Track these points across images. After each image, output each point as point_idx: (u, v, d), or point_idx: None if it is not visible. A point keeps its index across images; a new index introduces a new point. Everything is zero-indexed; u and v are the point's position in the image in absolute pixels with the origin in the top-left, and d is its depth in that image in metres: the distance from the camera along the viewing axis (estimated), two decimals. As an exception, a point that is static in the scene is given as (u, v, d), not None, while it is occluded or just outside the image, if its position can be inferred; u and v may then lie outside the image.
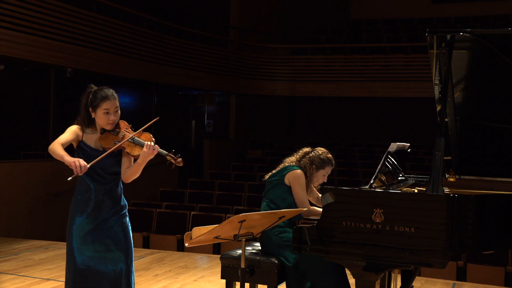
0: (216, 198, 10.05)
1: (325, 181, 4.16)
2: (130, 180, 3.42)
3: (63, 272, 5.95)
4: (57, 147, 3.26)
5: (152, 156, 3.31)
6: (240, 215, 3.05)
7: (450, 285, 6.02)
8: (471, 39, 3.35)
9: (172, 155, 3.36)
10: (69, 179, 3.26)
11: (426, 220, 3.08)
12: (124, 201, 3.52)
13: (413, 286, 4.32)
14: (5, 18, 8.94)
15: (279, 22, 17.63)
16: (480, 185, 4.11)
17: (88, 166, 3.21)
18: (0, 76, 10.96)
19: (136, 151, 3.36)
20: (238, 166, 13.36)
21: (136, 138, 3.38)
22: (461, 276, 6.83)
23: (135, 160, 3.40)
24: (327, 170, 4.11)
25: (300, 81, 15.35)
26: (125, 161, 3.42)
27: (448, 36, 3.31)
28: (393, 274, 4.13)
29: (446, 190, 3.94)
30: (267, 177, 4.16)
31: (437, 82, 3.57)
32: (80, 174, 3.20)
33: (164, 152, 3.36)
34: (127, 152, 3.38)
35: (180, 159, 3.36)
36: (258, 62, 15.53)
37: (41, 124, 11.22)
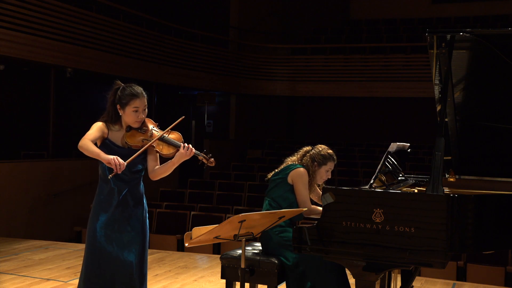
0: (216, 198, 10.05)
1: (329, 177, 4.16)
2: (157, 178, 3.39)
3: (63, 272, 5.98)
4: (89, 144, 3.19)
5: (188, 157, 3.27)
6: (240, 215, 3.05)
7: (450, 285, 6.02)
8: (471, 39, 3.35)
9: (204, 155, 3.33)
10: (109, 176, 3.22)
11: (426, 220, 3.08)
12: (145, 201, 3.48)
13: (413, 286, 4.32)
14: (5, 18, 8.94)
15: (279, 22, 17.63)
16: (480, 185, 4.11)
17: (126, 163, 3.17)
18: (0, 76, 10.96)
19: (165, 150, 3.31)
20: (238, 166, 13.36)
21: (166, 137, 3.34)
22: (461, 276, 6.83)
23: (160, 157, 3.36)
24: (330, 166, 4.11)
25: (300, 81, 15.35)
26: (151, 159, 3.38)
27: (448, 36, 3.31)
28: (393, 274, 4.13)
29: (446, 190, 3.94)
30: (270, 176, 4.17)
31: (437, 82, 3.57)
32: (119, 172, 3.15)
33: (197, 152, 3.32)
34: (156, 150, 3.33)
35: (212, 159, 3.34)
36: (258, 62, 15.53)
37: (41, 124, 11.22)
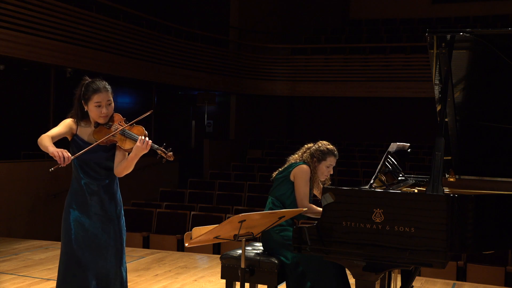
0: (216, 198, 10.05)
1: (331, 172, 4.13)
2: (122, 175, 3.36)
3: (63, 272, 5.96)
4: (44, 138, 3.21)
5: (146, 151, 3.24)
6: (240, 215, 3.05)
7: (450, 285, 6.02)
8: (471, 39, 3.35)
9: (163, 149, 3.29)
10: (51, 169, 3.21)
11: (426, 220, 3.08)
12: (119, 199, 3.45)
13: (413, 286, 4.31)
14: (5, 18, 8.94)
15: (279, 22, 17.63)
16: (480, 185, 4.11)
17: (72, 157, 3.15)
18: (0, 76, 10.96)
19: (127, 145, 3.29)
20: (238, 166, 13.35)
21: (127, 131, 3.31)
22: (461, 276, 6.83)
23: (128, 154, 3.34)
24: (330, 161, 4.09)
25: (300, 81, 15.35)
26: (118, 155, 3.35)
27: (448, 36, 3.31)
28: (393, 274, 4.13)
29: (446, 190, 3.94)
30: (275, 174, 4.17)
31: (437, 82, 3.57)
32: (63, 165, 3.12)
33: (155, 146, 3.29)
34: (118, 146, 3.31)
35: (171, 153, 3.30)
36: (258, 62, 15.53)
37: (41, 124, 11.21)
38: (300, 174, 4.00)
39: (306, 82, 15.28)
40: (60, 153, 3.09)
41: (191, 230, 3.27)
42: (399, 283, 4.22)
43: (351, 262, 3.23)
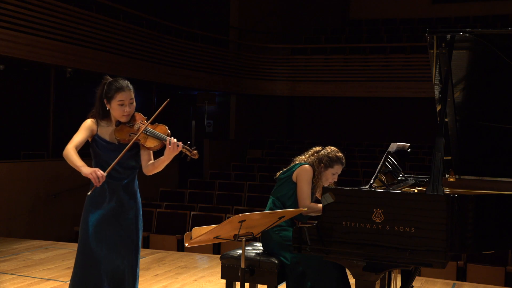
0: (216, 198, 10.05)
1: (335, 180, 4.13)
2: (151, 174, 3.39)
3: (63, 272, 5.97)
4: (73, 154, 3.16)
5: (177, 152, 3.26)
6: (240, 215, 3.05)
7: (450, 285, 6.02)
8: (471, 39, 3.35)
9: (188, 147, 3.31)
10: (88, 193, 3.21)
11: (426, 220, 3.08)
12: (139, 199, 3.46)
13: (413, 286, 4.31)
14: (5, 18, 8.94)
15: (279, 22, 17.63)
16: (480, 185, 4.11)
17: (105, 174, 3.14)
18: (0, 76, 10.96)
19: (150, 143, 3.30)
20: (238, 166, 13.35)
21: (150, 129, 3.32)
22: (461, 276, 6.83)
23: (153, 152, 3.35)
24: (336, 169, 4.08)
25: (300, 81, 15.35)
26: (144, 154, 3.37)
27: (448, 36, 3.31)
28: (393, 274, 4.13)
29: (446, 190, 3.94)
30: (278, 174, 4.16)
31: (437, 82, 3.57)
32: (98, 186, 3.12)
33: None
34: (141, 144, 3.32)
35: (196, 151, 3.32)
36: (258, 62, 15.53)
37: (41, 124, 11.23)
38: (303, 174, 3.99)
39: (306, 82, 15.28)
40: (94, 174, 3.09)
41: (191, 230, 3.27)
42: (399, 283, 4.22)
43: (351, 262, 3.23)
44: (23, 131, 11.77)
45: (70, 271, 5.95)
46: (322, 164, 4.05)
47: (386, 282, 4.00)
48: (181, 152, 3.32)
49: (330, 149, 4.13)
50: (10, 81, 11.55)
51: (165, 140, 3.29)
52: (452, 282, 6.24)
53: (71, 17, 10.20)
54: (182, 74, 13.42)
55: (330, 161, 4.05)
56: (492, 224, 3.20)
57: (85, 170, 3.12)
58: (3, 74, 10.79)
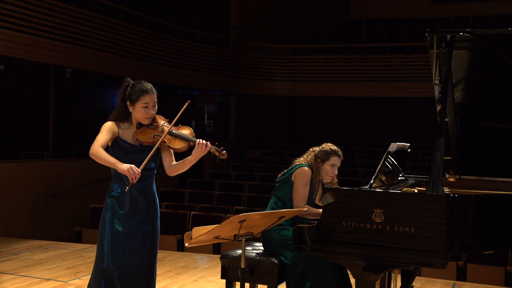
0: (216, 198, 10.05)
1: (336, 173, 4.16)
2: (175, 174, 3.41)
3: (63, 272, 5.98)
4: (102, 152, 3.16)
5: (205, 153, 3.28)
6: (240, 215, 3.05)
7: (450, 285, 6.02)
8: (471, 39, 3.35)
9: (217, 148, 3.33)
10: (126, 189, 3.20)
11: (426, 220, 3.08)
12: (157, 201, 3.46)
13: (413, 286, 4.31)
14: (5, 18, 8.94)
15: (279, 22, 17.63)
16: (480, 185, 4.11)
17: (140, 170, 3.14)
18: (0, 76, 10.96)
19: (177, 144, 3.32)
20: (238, 166, 13.35)
21: (175, 130, 3.34)
22: (461, 276, 6.83)
23: (174, 152, 3.37)
24: (333, 161, 4.12)
25: (300, 81, 15.35)
26: (166, 155, 3.38)
27: (448, 36, 3.31)
28: (393, 274, 4.13)
29: (446, 190, 3.94)
30: (278, 176, 4.20)
31: (437, 82, 3.57)
32: (134, 182, 3.12)
33: (211, 146, 3.33)
34: (168, 145, 3.33)
35: (225, 151, 3.33)
36: (258, 62, 15.53)
37: (41, 124, 11.23)
38: (300, 175, 4.03)
39: (306, 82, 15.28)
40: (132, 171, 3.08)
41: (191, 230, 3.27)
42: (399, 283, 4.22)
43: (351, 262, 3.23)
44: (23, 131, 11.77)
45: (70, 271, 5.98)
46: (318, 159, 4.11)
47: (386, 282, 4.00)
48: (210, 152, 3.32)
49: (325, 144, 4.23)
50: (10, 81, 11.54)
51: (192, 141, 3.31)
52: (452, 282, 6.24)
53: (71, 17, 10.20)
54: (182, 74, 13.42)
55: (325, 154, 4.12)
56: (492, 224, 3.20)
57: (122, 166, 3.11)
58: (3, 74, 10.79)
